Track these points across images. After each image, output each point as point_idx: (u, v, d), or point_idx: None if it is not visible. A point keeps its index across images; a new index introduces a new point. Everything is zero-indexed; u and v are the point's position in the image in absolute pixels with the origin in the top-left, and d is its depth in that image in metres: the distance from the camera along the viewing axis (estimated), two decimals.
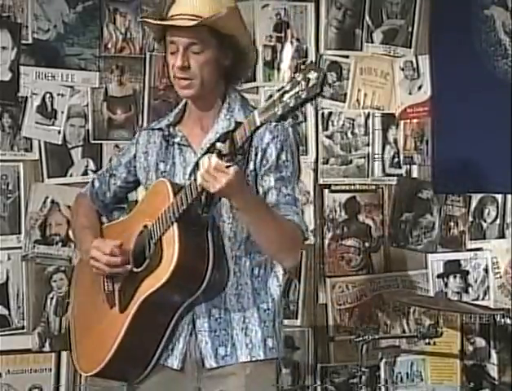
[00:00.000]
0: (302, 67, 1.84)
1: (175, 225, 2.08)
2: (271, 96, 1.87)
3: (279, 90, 1.84)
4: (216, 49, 2.15)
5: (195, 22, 2.10)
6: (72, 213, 2.59)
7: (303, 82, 1.80)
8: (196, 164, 2.12)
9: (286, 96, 1.82)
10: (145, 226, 2.20)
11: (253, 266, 2.20)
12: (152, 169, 2.28)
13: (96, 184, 2.44)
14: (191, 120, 2.26)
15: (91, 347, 2.27)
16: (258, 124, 1.88)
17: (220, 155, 1.92)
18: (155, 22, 2.17)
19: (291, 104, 1.81)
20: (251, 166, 2.13)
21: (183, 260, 2.04)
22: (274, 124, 2.08)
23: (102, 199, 2.43)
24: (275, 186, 2.13)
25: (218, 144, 1.93)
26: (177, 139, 2.25)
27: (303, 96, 1.80)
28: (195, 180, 2.01)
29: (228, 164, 1.92)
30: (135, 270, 2.18)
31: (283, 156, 2.15)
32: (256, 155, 2.14)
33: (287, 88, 1.83)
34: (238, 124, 1.95)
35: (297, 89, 1.81)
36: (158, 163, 2.27)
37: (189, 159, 2.22)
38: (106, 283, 2.28)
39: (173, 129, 2.26)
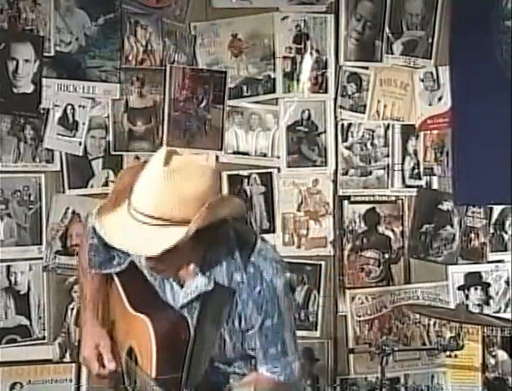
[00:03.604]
0: None
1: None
2: None
3: None
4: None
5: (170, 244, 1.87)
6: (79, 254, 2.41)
7: None
8: None
9: None
10: (131, 349, 2.16)
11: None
12: None
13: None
14: None
15: None
16: None
17: None
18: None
19: None
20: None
21: None
22: (258, 288, 2.00)
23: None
24: (261, 344, 2.03)
25: None
26: None
27: None
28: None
29: None
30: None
31: (268, 322, 2.02)
32: (240, 318, 2.04)
33: None
34: None
35: None
36: None
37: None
38: None
39: None
